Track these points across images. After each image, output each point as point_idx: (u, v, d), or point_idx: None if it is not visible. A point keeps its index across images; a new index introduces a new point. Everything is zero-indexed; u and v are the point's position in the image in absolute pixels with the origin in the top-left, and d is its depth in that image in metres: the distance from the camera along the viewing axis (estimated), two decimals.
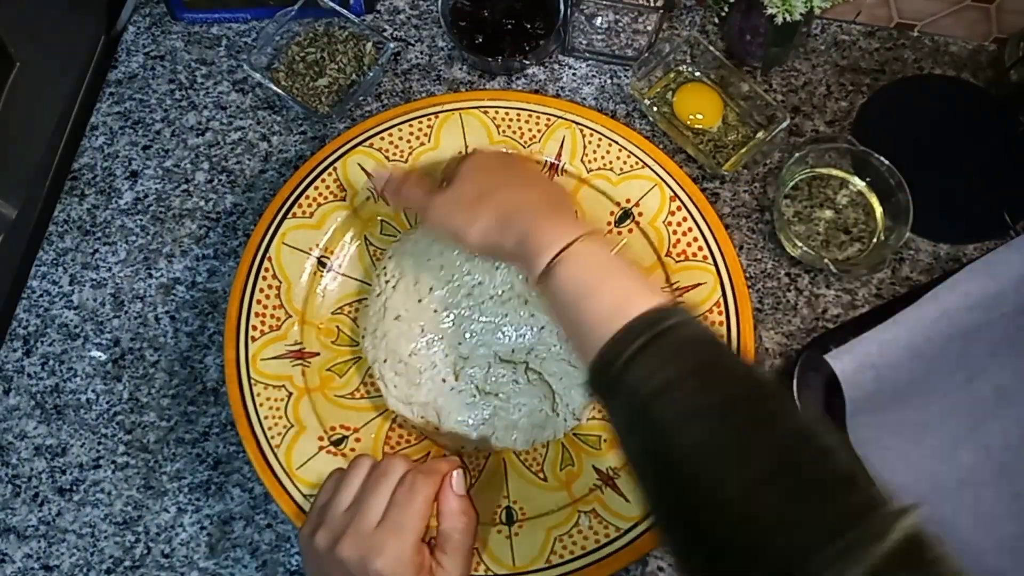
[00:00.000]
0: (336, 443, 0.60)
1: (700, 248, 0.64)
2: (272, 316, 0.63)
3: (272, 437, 0.59)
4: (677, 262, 0.64)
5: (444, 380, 0.59)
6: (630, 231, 0.66)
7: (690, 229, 0.65)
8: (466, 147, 0.67)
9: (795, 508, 0.37)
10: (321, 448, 0.60)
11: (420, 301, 0.60)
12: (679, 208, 0.65)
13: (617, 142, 0.67)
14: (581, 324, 0.46)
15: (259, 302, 0.62)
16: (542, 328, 0.60)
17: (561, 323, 0.50)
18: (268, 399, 0.60)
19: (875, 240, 0.68)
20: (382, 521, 0.48)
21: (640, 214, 0.66)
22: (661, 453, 0.42)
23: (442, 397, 0.59)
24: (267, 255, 0.64)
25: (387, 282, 0.61)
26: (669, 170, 0.66)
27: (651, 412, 0.42)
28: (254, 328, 0.62)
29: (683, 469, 0.40)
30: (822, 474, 0.38)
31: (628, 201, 0.66)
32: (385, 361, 0.60)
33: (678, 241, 0.65)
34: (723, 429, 0.40)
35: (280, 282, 0.63)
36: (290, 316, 0.63)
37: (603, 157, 0.67)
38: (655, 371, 0.42)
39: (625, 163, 0.67)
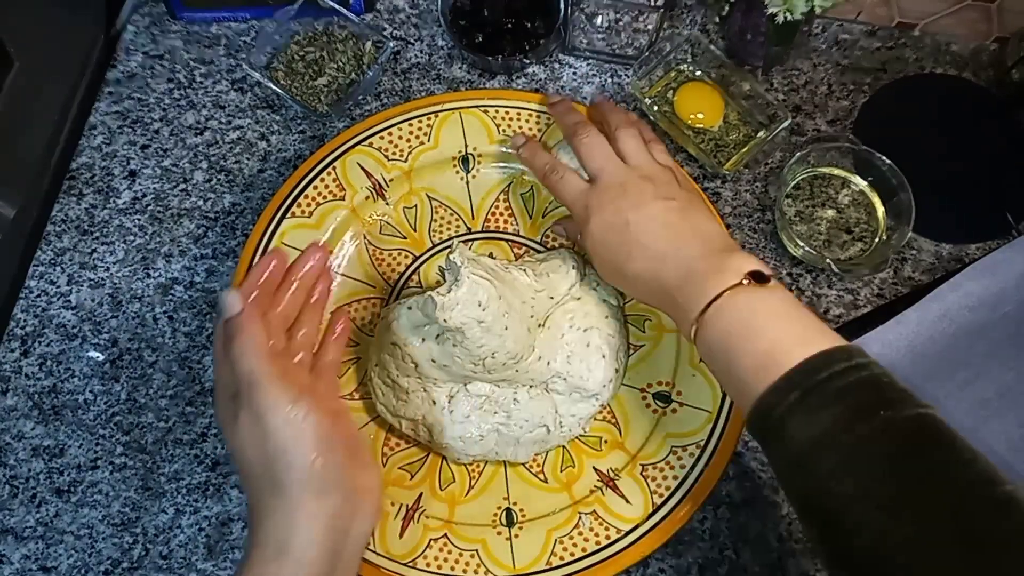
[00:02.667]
0: None
1: None
2: None
3: None
4: None
5: (435, 402, 0.58)
6: None
7: None
8: (466, 147, 0.67)
9: (965, 567, 0.36)
10: None
11: (417, 366, 0.57)
12: None
13: None
14: (737, 370, 0.46)
15: None
16: (548, 362, 0.59)
17: (714, 367, 0.49)
18: None
19: (877, 240, 0.68)
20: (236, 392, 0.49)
21: None
22: (822, 501, 0.41)
23: (431, 416, 0.58)
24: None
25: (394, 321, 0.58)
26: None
27: (810, 462, 0.41)
28: None
29: (845, 519, 0.40)
30: (997, 533, 0.37)
31: None
32: (376, 365, 0.59)
33: None
34: (888, 480, 0.40)
35: None
36: None
37: None
38: (814, 421, 0.42)
39: None
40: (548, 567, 0.56)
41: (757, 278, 0.48)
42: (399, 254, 0.66)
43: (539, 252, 0.66)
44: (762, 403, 0.44)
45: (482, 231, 0.66)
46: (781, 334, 0.45)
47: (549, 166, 0.61)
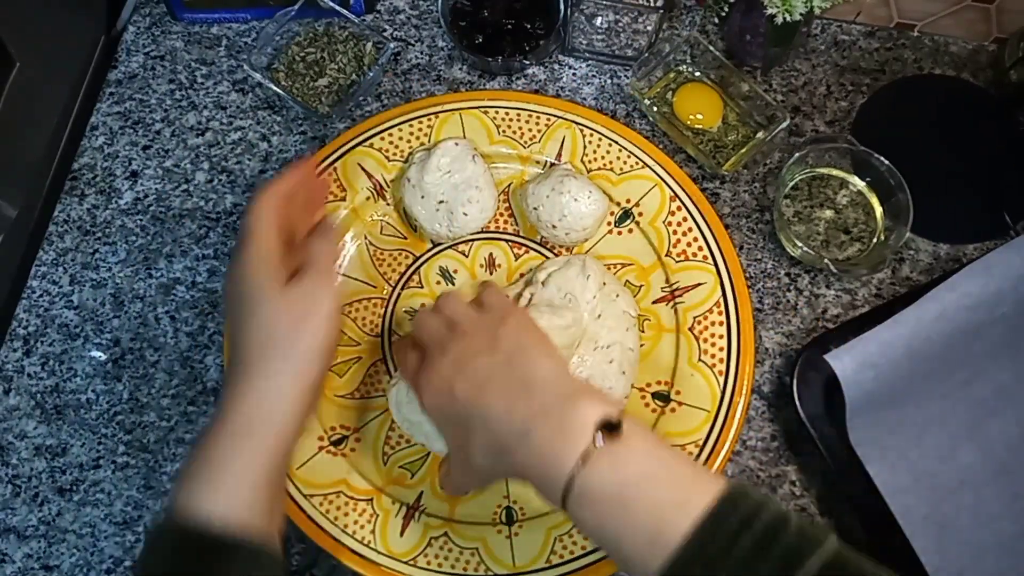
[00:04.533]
0: (336, 443, 0.60)
1: (700, 248, 0.64)
2: None
3: None
4: (677, 262, 0.64)
5: None
6: (630, 231, 0.66)
7: (690, 229, 0.65)
8: None
9: None
10: (321, 448, 0.60)
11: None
12: (679, 208, 0.65)
13: (617, 142, 0.67)
14: (623, 550, 0.42)
15: None
16: None
17: (597, 542, 0.44)
18: None
19: (875, 240, 0.68)
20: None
21: (640, 214, 0.66)
22: None
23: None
24: None
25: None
26: (669, 170, 0.66)
27: None
28: None
29: None
30: None
31: (628, 201, 0.66)
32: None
33: (678, 241, 0.65)
34: None
35: None
36: None
37: (603, 157, 0.67)
38: None
39: (625, 163, 0.67)
40: (548, 565, 0.57)
41: (607, 428, 0.42)
42: (399, 254, 0.66)
43: (547, 256, 0.66)
44: (683, 553, 0.39)
45: (482, 232, 0.67)
46: (658, 501, 0.41)
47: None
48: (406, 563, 0.56)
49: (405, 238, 0.67)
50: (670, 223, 0.65)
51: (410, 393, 0.53)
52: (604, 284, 0.62)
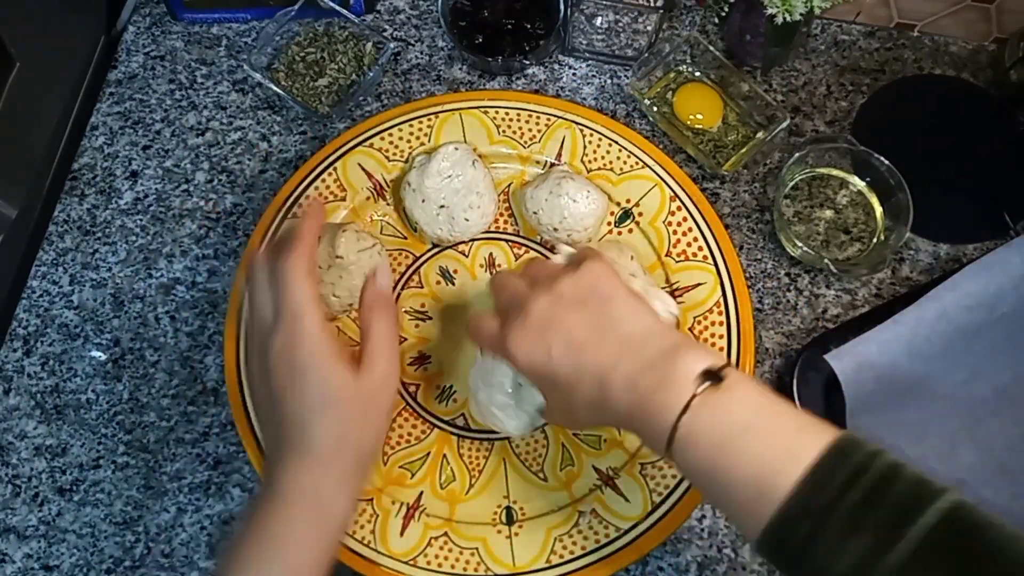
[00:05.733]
0: None
1: (700, 248, 0.64)
2: None
3: None
4: (677, 262, 0.64)
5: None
6: (630, 231, 0.66)
7: (690, 229, 0.65)
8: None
9: None
10: None
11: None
12: (679, 208, 0.65)
13: (617, 142, 0.67)
14: (728, 500, 0.41)
15: None
16: None
17: (702, 491, 0.44)
18: None
19: (875, 240, 0.68)
20: (275, 317, 0.49)
21: (640, 214, 0.66)
22: None
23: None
24: None
25: None
26: (669, 170, 0.66)
27: None
28: None
29: None
30: None
31: (628, 201, 0.66)
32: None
33: (678, 241, 0.65)
34: None
35: None
36: None
37: (603, 157, 0.67)
38: (839, 552, 0.37)
39: (625, 163, 0.67)
40: (548, 565, 0.57)
41: (711, 378, 0.42)
42: (399, 254, 0.66)
43: (547, 257, 0.66)
44: (771, 535, 0.39)
45: (482, 232, 0.67)
46: (765, 451, 0.40)
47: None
48: (406, 563, 0.57)
49: (405, 238, 0.67)
50: (670, 223, 0.65)
51: (482, 378, 0.53)
52: (645, 273, 0.61)
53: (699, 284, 0.64)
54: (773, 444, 0.40)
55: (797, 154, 0.68)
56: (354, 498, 0.49)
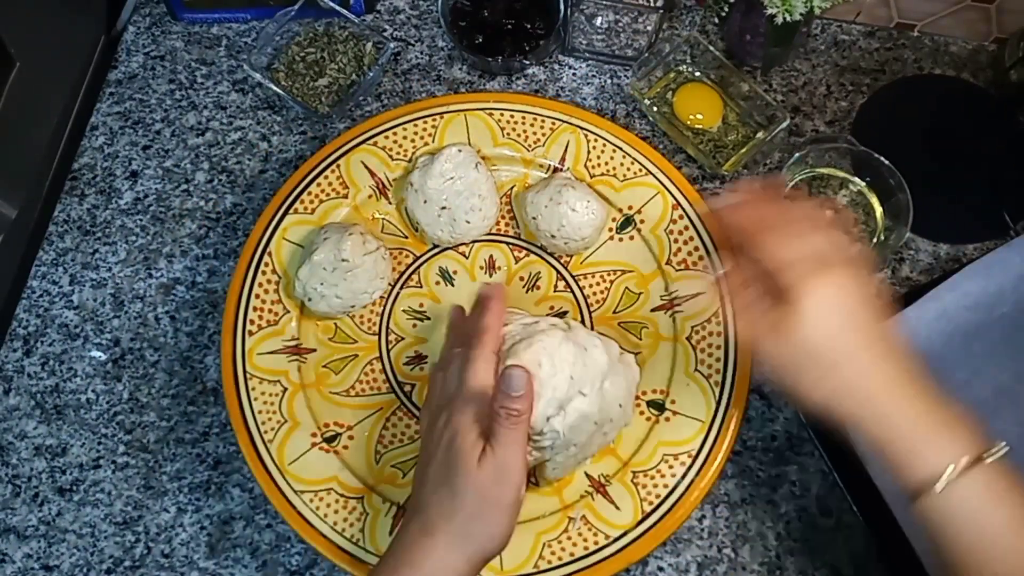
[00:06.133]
0: (329, 440, 0.60)
1: (701, 257, 0.64)
2: (270, 311, 0.63)
3: (265, 432, 0.59)
4: (677, 270, 0.64)
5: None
6: (631, 238, 0.66)
7: (691, 238, 0.65)
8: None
9: None
10: (314, 445, 0.60)
11: None
12: (681, 216, 0.65)
13: (621, 148, 0.67)
14: (985, 567, 0.40)
15: (257, 296, 0.63)
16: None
17: (945, 552, 0.42)
18: (263, 394, 0.60)
19: (875, 240, 0.68)
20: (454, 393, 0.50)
21: (642, 221, 0.66)
22: None
23: None
24: (267, 250, 0.64)
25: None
26: (672, 178, 0.66)
27: None
28: (251, 323, 0.62)
29: None
30: None
31: (630, 208, 0.66)
32: None
33: (679, 250, 0.65)
34: None
35: (279, 277, 0.63)
36: (288, 311, 0.63)
37: (607, 163, 0.67)
38: None
39: (628, 170, 0.67)
40: (536, 570, 0.56)
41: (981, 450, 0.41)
42: (400, 253, 0.66)
43: (546, 260, 0.66)
44: None
45: (483, 234, 0.67)
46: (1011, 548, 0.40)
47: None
48: None
49: (406, 237, 0.67)
50: (671, 231, 0.65)
51: None
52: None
53: (699, 294, 0.63)
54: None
55: (797, 154, 0.67)
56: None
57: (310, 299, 0.61)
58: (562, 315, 0.64)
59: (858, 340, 0.44)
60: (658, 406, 0.61)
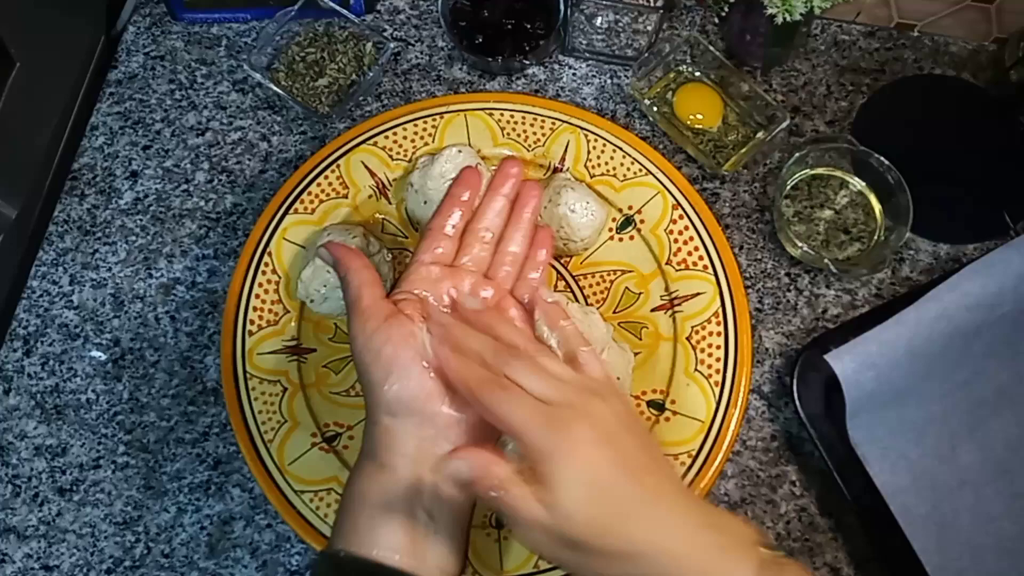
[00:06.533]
0: (329, 440, 0.60)
1: (701, 258, 0.64)
2: (270, 311, 0.63)
3: (265, 432, 0.59)
4: (677, 271, 0.64)
5: None
6: (631, 238, 0.66)
7: (691, 238, 0.65)
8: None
9: None
10: (314, 444, 0.60)
11: None
12: (681, 216, 0.65)
13: (621, 148, 0.67)
14: None
15: (257, 296, 0.63)
16: None
17: None
18: (263, 394, 0.60)
19: (875, 240, 0.68)
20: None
21: (642, 221, 0.66)
22: None
23: None
24: (267, 250, 0.64)
25: None
26: (672, 178, 0.66)
27: None
28: (251, 323, 0.62)
29: None
30: None
31: (630, 208, 0.66)
32: None
33: (679, 250, 0.65)
34: None
35: (280, 277, 0.63)
36: (288, 311, 0.63)
37: (607, 163, 0.67)
38: None
39: (629, 170, 0.67)
40: (536, 570, 0.56)
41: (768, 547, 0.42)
42: (400, 253, 0.66)
43: None
44: None
45: None
46: None
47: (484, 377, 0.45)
48: None
49: (406, 237, 0.67)
50: (671, 231, 0.65)
51: None
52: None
53: (699, 294, 0.63)
54: None
55: (797, 154, 0.67)
56: (408, 445, 0.48)
57: (312, 301, 0.61)
58: None
59: (632, 498, 0.41)
60: (658, 406, 0.61)
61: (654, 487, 0.42)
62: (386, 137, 0.67)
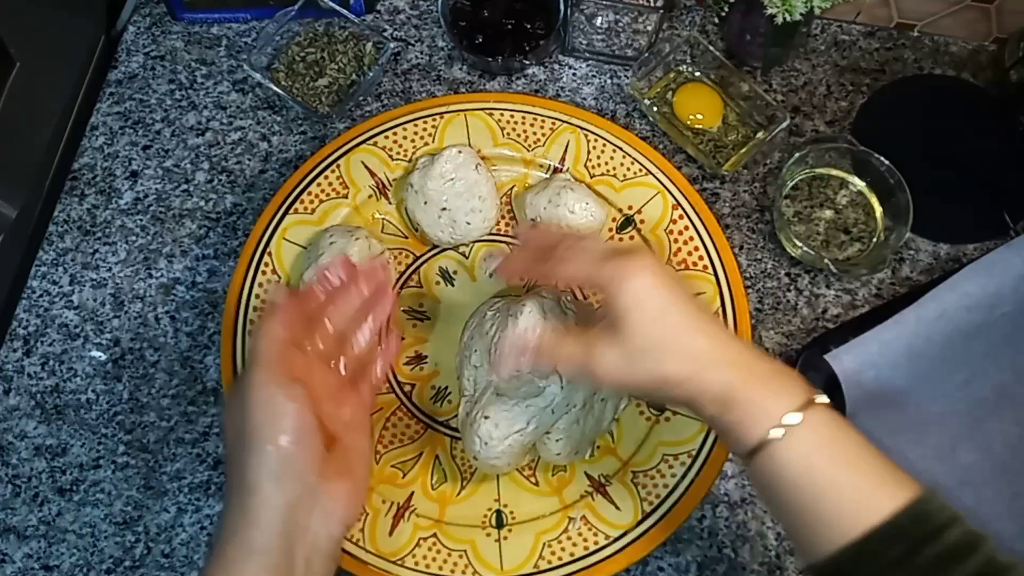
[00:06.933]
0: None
1: (701, 258, 0.64)
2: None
3: None
4: (677, 270, 0.64)
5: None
6: (631, 238, 0.66)
7: (691, 238, 0.65)
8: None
9: None
10: None
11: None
12: (681, 217, 0.65)
13: (621, 148, 0.67)
14: (808, 516, 0.41)
15: (257, 296, 0.63)
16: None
17: (773, 504, 0.44)
18: None
19: (875, 240, 0.68)
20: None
21: (642, 221, 0.66)
22: None
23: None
24: (267, 250, 0.64)
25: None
26: (672, 178, 0.66)
27: None
28: (251, 323, 0.62)
29: None
30: None
31: (630, 208, 0.66)
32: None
33: (679, 250, 0.65)
34: None
35: (280, 277, 0.64)
36: None
37: (607, 163, 0.67)
38: None
39: (628, 170, 0.67)
40: (536, 570, 0.56)
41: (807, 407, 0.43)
42: (400, 253, 0.66)
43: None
44: (853, 552, 0.40)
45: (483, 235, 0.67)
46: (864, 477, 0.42)
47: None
48: (394, 563, 0.56)
49: (405, 237, 0.67)
50: (671, 231, 0.65)
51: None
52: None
53: (699, 294, 0.63)
54: (882, 471, 0.41)
55: (797, 154, 0.68)
56: (276, 518, 0.45)
57: None
58: None
59: (684, 316, 0.45)
60: (658, 406, 0.61)
61: (706, 310, 0.47)
62: (386, 137, 0.67)
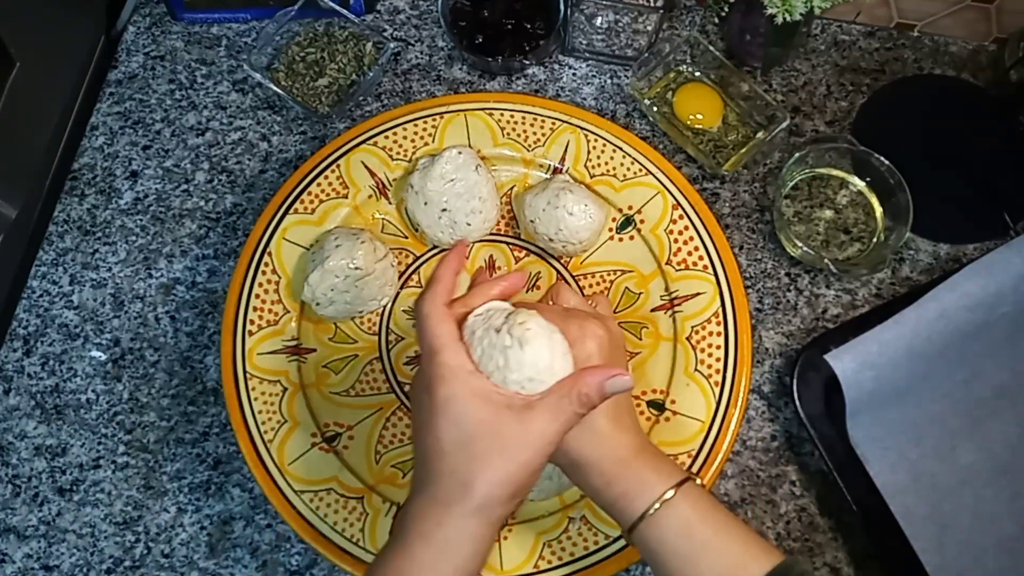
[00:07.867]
0: (329, 440, 0.60)
1: (701, 258, 0.64)
2: (270, 311, 0.63)
3: (265, 432, 0.59)
4: (677, 271, 0.64)
5: None
6: (631, 238, 0.66)
7: (691, 238, 0.65)
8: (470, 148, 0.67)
9: None
10: (314, 444, 0.60)
11: None
12: (681, 216, 0.65)
13: (621, 148, 0.67)
14: None
15: (257, 296, 0.63)
16: None
17: (658, 569, 0.46)
18: (263, 394, 0.60)
19: (875, 240, 0.68)
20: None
21: (642, 221, 0.66)
22: None
23: None
24: (267, 250, 0.64)
25: None
26: (672, 178, 0.66)
27: None
28: (251, 323, 0.62)
29: None
30: None
31: (630, 208, 0.66)
32: None
33: (679, 250, 0.65)
34: None
35: (280, 277, 0.63)
36: (288, 311, 0.63)
37: (607, 163, 0.67)
38: None
39: (628, 170, 0.67)
40: (535, 570, 0.56)
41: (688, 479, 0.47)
42: (399, 253, 0.66)
43: (546, 260, 0.66)
44: None
45: (483, 236, 0.67)
46: (738, 543, 0.45)
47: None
48: None
49: (406, 237, 0.67)
50: (671, 231, 0.65)
51: None
52: None
53: (699, 294, 0.63)
54: (751, 540, 0.45)
55: (797, 154, 0.68)
56: (483, 535, 0.44)
57: (318, 304, 0.61)
58: None
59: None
60: (658, 406, 0.61)
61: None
62: (386, 137, 0.67)
